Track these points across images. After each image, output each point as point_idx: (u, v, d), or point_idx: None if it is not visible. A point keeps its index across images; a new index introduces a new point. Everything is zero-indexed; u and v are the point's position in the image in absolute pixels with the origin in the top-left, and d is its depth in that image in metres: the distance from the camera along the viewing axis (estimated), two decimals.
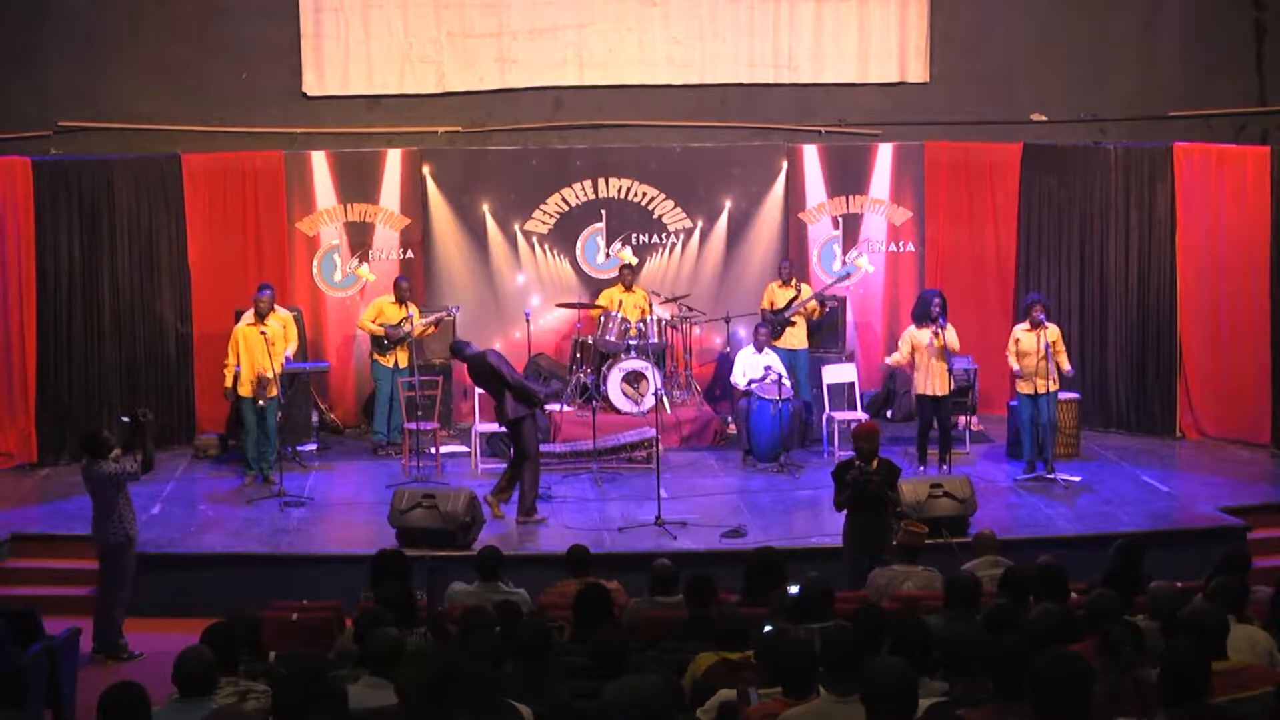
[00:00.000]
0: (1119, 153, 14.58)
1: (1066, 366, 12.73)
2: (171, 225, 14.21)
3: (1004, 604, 6.93)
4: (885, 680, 4.74)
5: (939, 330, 12.61)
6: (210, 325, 14.07)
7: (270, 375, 12.73)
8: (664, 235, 15.16)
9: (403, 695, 5.31)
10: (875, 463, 9.69)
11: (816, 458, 13.62)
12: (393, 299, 13.96)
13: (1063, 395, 13.02)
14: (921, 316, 12.85)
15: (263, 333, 12.71)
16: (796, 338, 14.16)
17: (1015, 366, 12.74)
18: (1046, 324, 12.58)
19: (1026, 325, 12.65)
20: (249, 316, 12.91)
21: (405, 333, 13.73)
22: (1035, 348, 12.51)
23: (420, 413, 13.32)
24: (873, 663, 4.87)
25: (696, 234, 15.16)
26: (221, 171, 14.42)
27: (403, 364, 13.79)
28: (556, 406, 14.15)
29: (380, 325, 13.85)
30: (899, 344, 13.13)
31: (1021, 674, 5.01)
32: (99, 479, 9.85)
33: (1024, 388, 12.67)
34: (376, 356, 13.94)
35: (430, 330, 13.90)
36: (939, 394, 12.67)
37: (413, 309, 13.95)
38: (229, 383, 12.85)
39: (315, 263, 14.91)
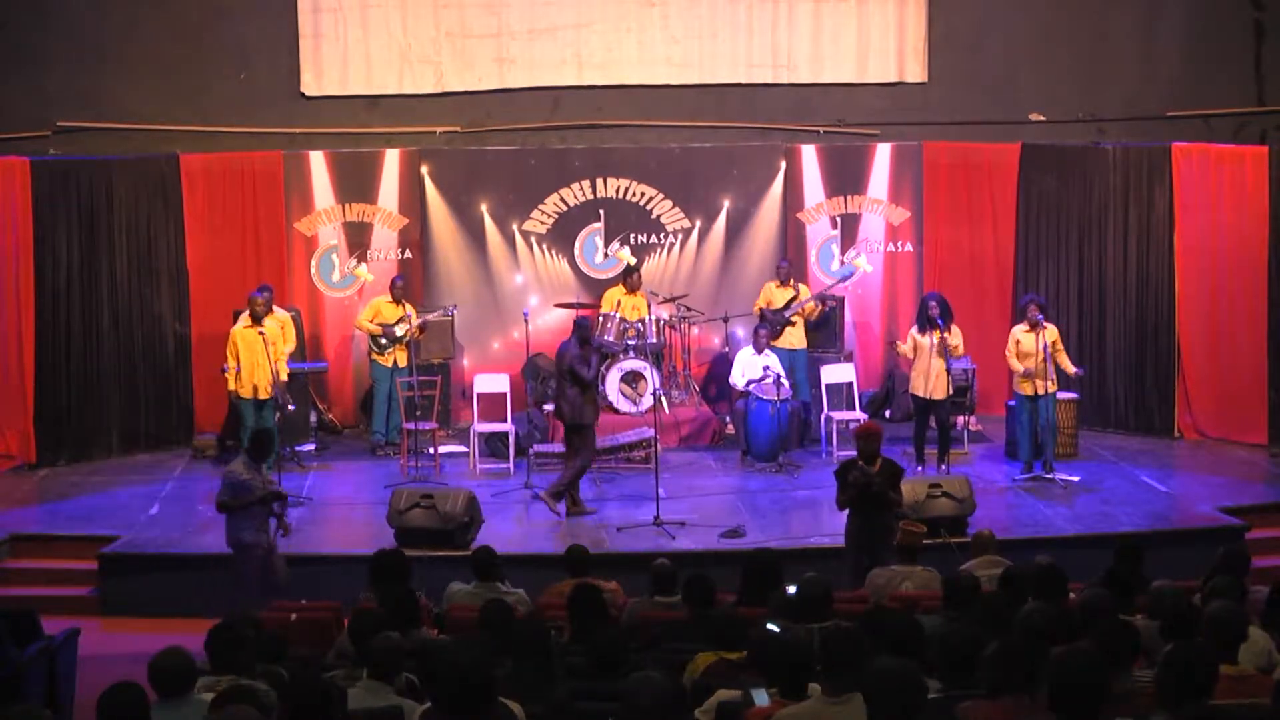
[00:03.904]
0: (1117, 153, 14.59)
1: (1072, 369, 12.70)
2: (170, 225, 14.22)
3: (997, 597, 6.93)
4: (888, 680, 4.74)
5: (942, 334, 12.54)
6: (208, 325, 14.08)
7: (273, 375, 12.69)
8: (662, 235, 15.16)
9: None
10: (878, 463, 9.68)
11: (815, 458, 13.63)
12: (389, 299, 13.97)
13: (1061, 395, 13.00)
14: (922, 320, 12.82)
15: (261, 334, 12.70)
16: (795, 337, 14.16)
17: (1019, 369, 12.67)
18: (1044, 324, 12.58)
19: (1025, 326, 12.64)
20: (244, 319, 12.90)
21: (400, 334, 13.73)
22: (1035, 348, 12.50)
23: (419, 413, 13.32)
24: (876, 663, 4.87)
25: (695, 234, 15.16)
26: (220, 172, 14.42)
27: (401, 363, 13.80)
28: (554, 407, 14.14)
29: (378, 325, 13.86)
30: (901, 340, 13.11)
31: (1018, 668, 5.03)
32: (224, 477, 9.94)
33: (1023, 388, 12.66)
34: (375, 356, 13.95)
35: (417, 334, 13.86)
36: (934, 397, 12.65)
37: (409, 308, 13.95)
38: (231, 385, 12.83)
39: (313, 263, 14.92)
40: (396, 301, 13.94)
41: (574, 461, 11.93)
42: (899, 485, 9.79)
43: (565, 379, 11.83)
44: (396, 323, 13.81)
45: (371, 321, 13.93)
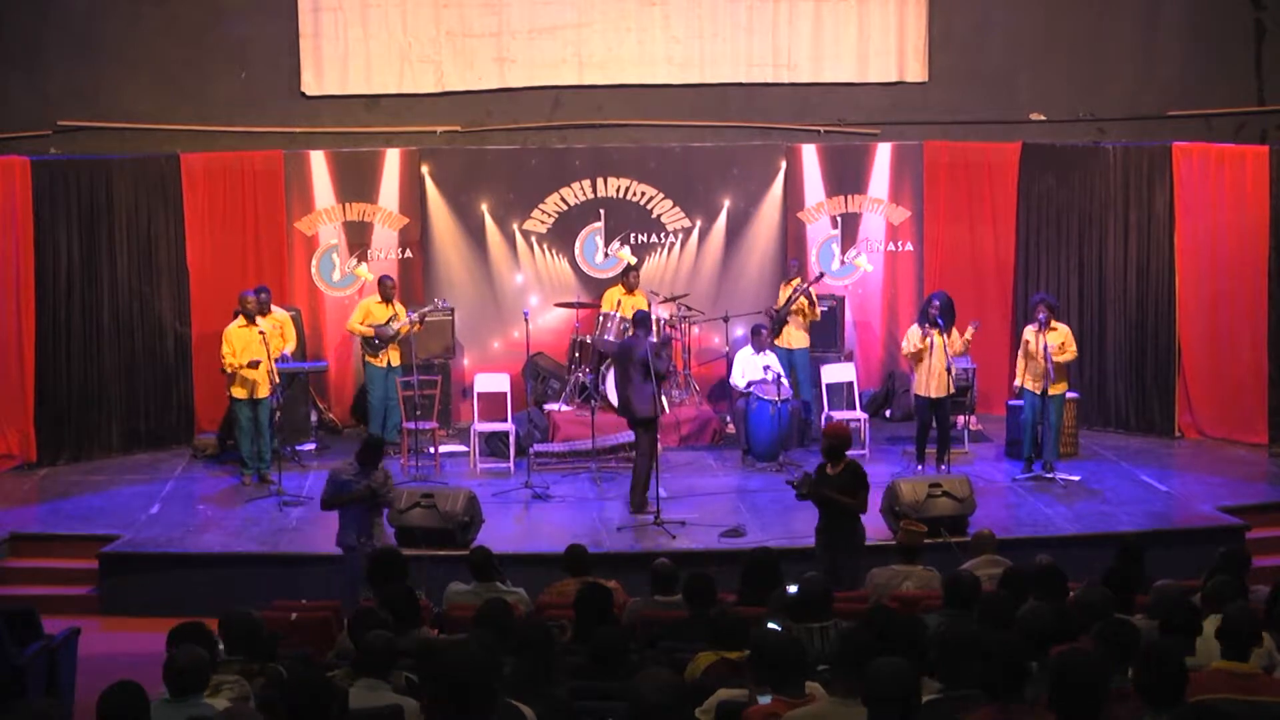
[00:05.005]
0: (1118, 152, 14.59)
1: (1061, 357, 12.65)
2: (170, 225, 14.22)
3: (998, 597, 6.94)
4: (886, 680, 4.74)
5: (942, 333, 12.55)
6: (209, 325, 14.06)
7: (267, 373, 12.69)
8: (663, 235, 15.16)
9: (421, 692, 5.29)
10: (842, 464, 9.69)
11: (815, 457, 13.49)
12: (379, 299, 13.92)
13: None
14: (923, 317, 12.85)
15: (261, 332, 12.69)
16: (795, 337, 14.15)
17: (1017, 382, 12.85)
18: (1053, 325, 12.56)
19: (1033, 326, 12.65)
20: (239, 319, 12.87)
21: (394, 331, 13.72)
22: (1038, 350, 12.51)
23: (419, 412, 13.32)
24: (874, 663, 4.87)
25: (695, 233, 15.16)
26: (220, 171, 14.42)
27: (395, 362, 13.78)
28: (555, 406, 14.16)
29: (369, 326, 13.82)
30: (905, 340, 13.11)
31: (1016, 671, 5.03)
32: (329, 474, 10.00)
33: (1031, 385, 12.66)
34: (369, 358, 13.89)
35: (415, 328, 13.83)
36: (936, 396, 12.66)
37: (399, 307, 13.93)
38: (233, 366, 12.71)
39: (314, 262, 14.92)
40: (386, 301, 13.88)
41: (641, 462, 11.88)
42: (855, 489, 9.64)
43: (636, 372, 11.68)
44: (387, 322, 13.77)
45: (362, 323, 13.89)
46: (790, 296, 14.08)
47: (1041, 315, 12.54)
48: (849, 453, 9.85)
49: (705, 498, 12.36)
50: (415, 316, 13.80)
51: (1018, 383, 12.90)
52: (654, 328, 11.96)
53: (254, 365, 12.66)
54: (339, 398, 15.07)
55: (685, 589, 7.64)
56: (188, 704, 5.62)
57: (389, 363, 13.80)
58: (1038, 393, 12.59)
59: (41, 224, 13.44)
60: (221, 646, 6.57)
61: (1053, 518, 11.74)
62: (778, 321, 14.06)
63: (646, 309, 14.17)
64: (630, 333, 13.88)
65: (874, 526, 11.22)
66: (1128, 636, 5.63)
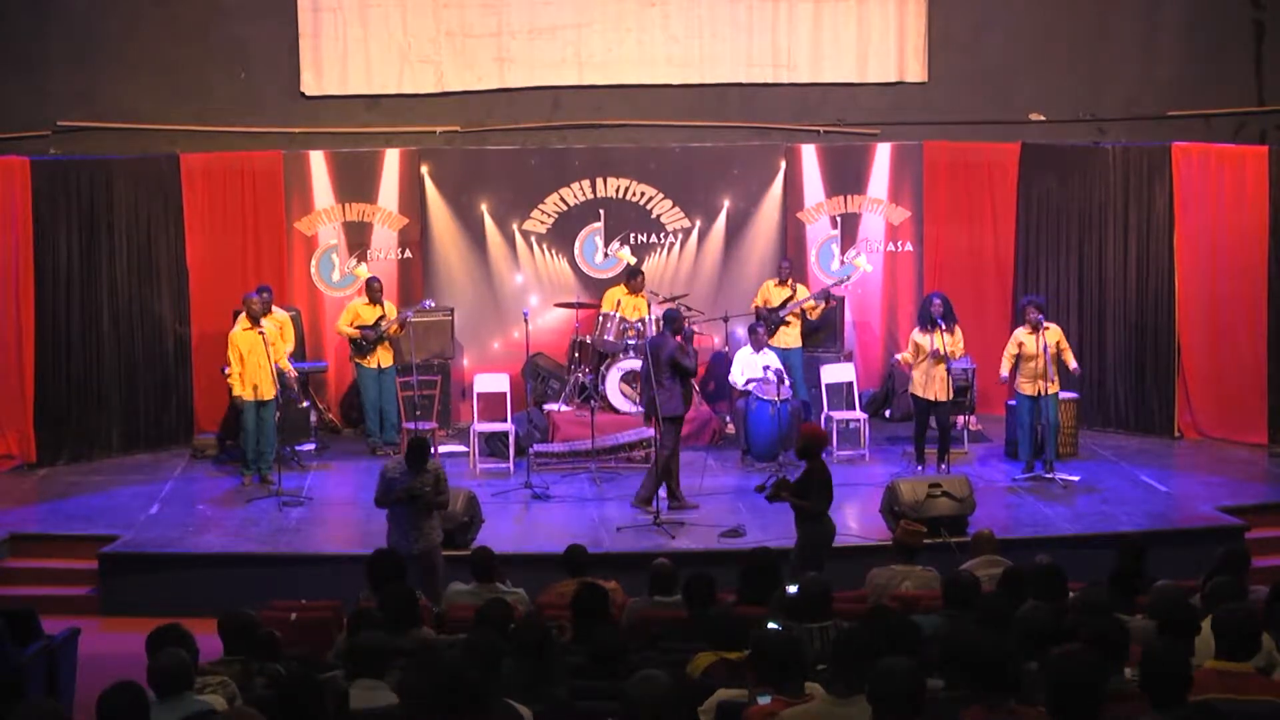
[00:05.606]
0: (1117, 152, 14.59)
1: (1073, 365, 12.73)
2: (170, 225, 14.22)
3: (997, 597, 6.94)
4: (891, 680, 4.74)
5: (941, 333, 12.56)
6: (208, 325, 14.09)
7: (274, 374, 12.68)
8: (662, 235, 15.16)
9: (403, 694, 5.31)
10: (810, 465, 9.79)
11: None
12: (366, 300, 13.91)
13: (1062, 395, 13.00)
14: (924, 319, 12.85)
15: (261, 334, 12.69)
16: (790, 337, 14.16)
17: (1004, 373, 12.84)
18: (1046, 324, 12.59)
19: (1027, 329, 12.64)
20: (242, 320, 12.87)
21: (382, 331, 13.72)
22: (1037, 350, 12.51)
23: (419, 412, 13.31)
24: (879, 663, 4.87)
25: (695, 234, 15.16)
26: (220, 171, 14.42)
27: (385, 363, 13.79)
28: (555, 406, 14.15)
29: (357, 328, 13.81)
30: (907, 345, 13.14)
31: (1010, 671, 5.03)
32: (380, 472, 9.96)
33: (1026, 388, 12.66)
34: (358, 360, 13.89)
35: (397, 329, 13.81)
36: (936, 399, 12.65)
37: (388, 307, 13.92)
38: (238, 390, 12.74)
39: (313, 262, 14.91)
40: (374, 302, 13.89)
41: (660, 457, 11.83)
42: (809, 491, 9.69)
43: (664, 371, 11.66)
44: (375, 323, 13.77)
45: (350, 325, 13.87)
46: (791, 299, 14.09)
47: (1037, 316, 12.55)
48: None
49: (705, 498, 12.35)
50: (398, 319, 13.79)
51: (1004, 372, 12.88)
52: (681, 326, 11.94)
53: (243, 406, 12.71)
54: (338, 398, 15.07)
55: (685, 589, 7.64)
56: (184, 702, 5.63)
57: (379, 364, 13.81)
58: (1034, 395, 12.59)
59: (41, 224, 13.44)
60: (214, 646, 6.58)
61: (1053, 518, 11.75)
62: (773, 322, 14.07)
63: (647, 310, 14.24)
64: (628, 332, 13.94)
65: (874, 526, 11.28)
66: (1118, 636, 5.64)
